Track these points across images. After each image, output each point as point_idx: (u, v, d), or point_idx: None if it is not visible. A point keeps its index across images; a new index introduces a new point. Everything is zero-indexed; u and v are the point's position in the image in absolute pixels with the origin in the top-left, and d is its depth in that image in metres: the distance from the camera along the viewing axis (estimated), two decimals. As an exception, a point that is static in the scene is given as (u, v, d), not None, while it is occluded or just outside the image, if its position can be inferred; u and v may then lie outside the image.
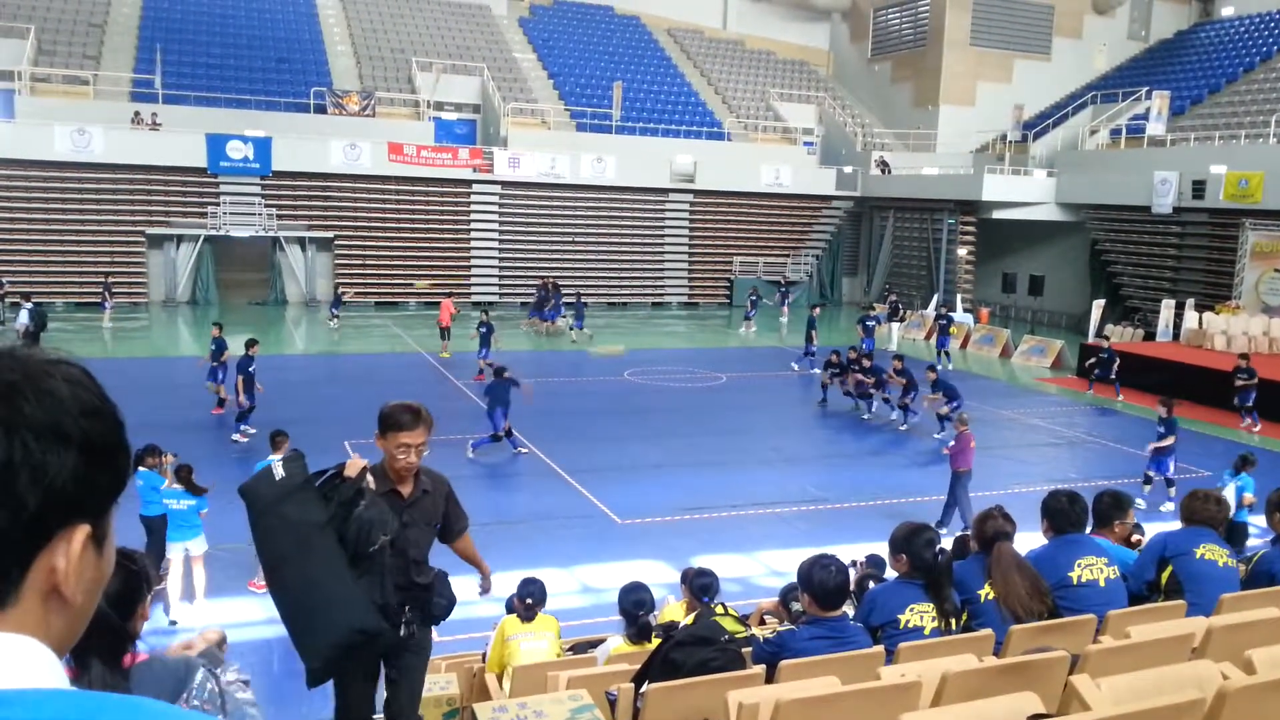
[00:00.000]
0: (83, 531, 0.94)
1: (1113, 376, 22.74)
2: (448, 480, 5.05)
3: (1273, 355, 25.10)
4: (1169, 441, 15.10)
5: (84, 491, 0.93)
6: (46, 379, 0.93)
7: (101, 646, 2.47)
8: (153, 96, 34.21)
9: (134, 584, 2.85)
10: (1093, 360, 23.49)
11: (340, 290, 30.97)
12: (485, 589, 5.53)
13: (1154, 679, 3.54)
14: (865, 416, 20.46)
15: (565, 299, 31.35)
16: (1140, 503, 14.73)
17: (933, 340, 28.98)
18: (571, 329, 29.61)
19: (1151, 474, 15.30)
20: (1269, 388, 20.65)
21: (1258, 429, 19.95)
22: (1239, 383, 20.16)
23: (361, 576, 4.25)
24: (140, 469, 10.36)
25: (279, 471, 4.17)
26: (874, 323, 27.08)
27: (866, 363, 20.73)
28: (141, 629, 3.01)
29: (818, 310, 27.41)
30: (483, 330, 23.24)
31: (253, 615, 10.10)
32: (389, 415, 4.62)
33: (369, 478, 4.40)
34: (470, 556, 5.35)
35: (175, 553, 10.20)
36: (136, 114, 33.26)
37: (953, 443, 14.03)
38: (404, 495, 4.72)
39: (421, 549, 4.84)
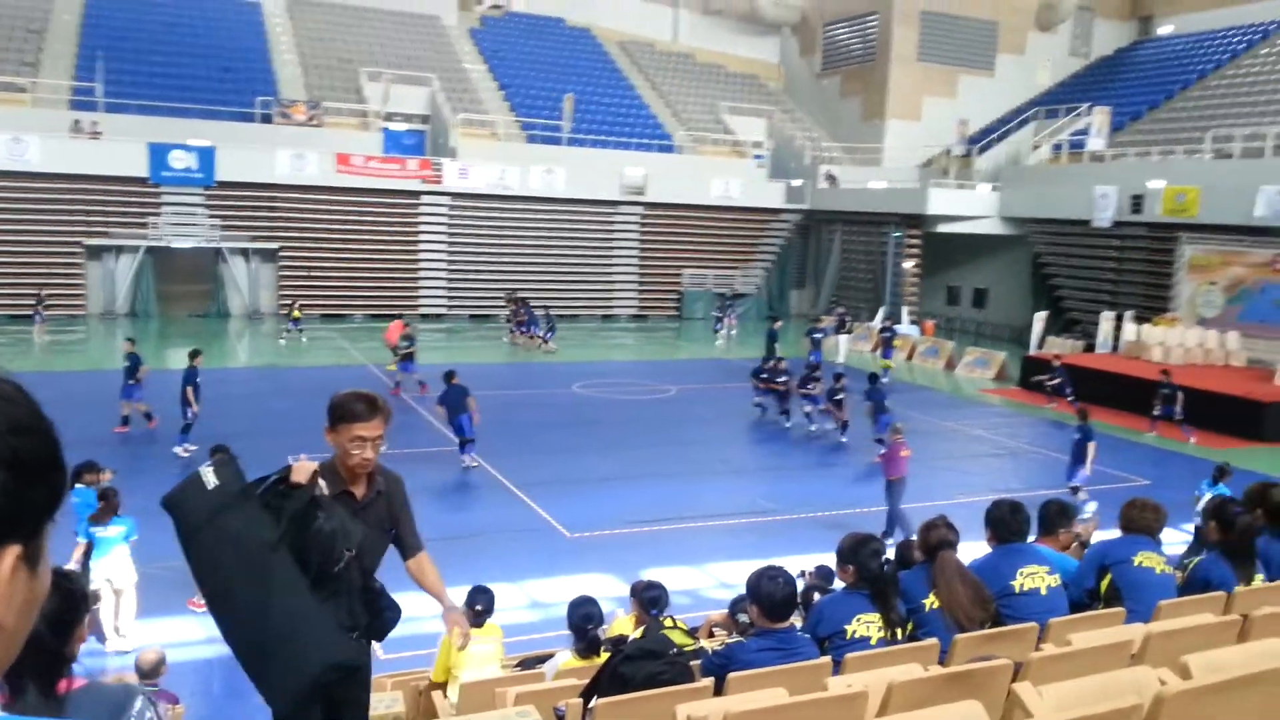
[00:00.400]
0: (13, 553, 0.90)
1: (1068, 393, 22.89)
2: (403, 480, 4.49)
3: (1208, 366, 25.74)
4: (1094, 446, 15.51)
5: (15, 510, 0.90)
6: None
7: (37, 669, 2.40)
8: (93, 105, 33.55)
9: (71, 604, 2.75)
10: (1043, 377, 23.83)
11: (284, 307, 30.32)
12: (463, 639, 4.53)
13: (1094, 685, 3.59)
14: (787, 425, 20.69)
15: (536, 312, 31.49)
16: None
17: (879, 353, 29.27)
18: (546, 340, 29.79)
19: (1075, 486, 15.57)
20: (1204, 398, 21.20)
21: (1193, 439, 20.44)
22: (1162, 397, 20.66)
23: (326, 599, 3.73)
24: (77, 485, 10.10)
25: (210, 479, 3.56)
26: (821, 335, 27.30)
27: (812, 383, 20.82)
28: (79, 651, 2.92)
29: (779, 323, 27.61)
30: (405, 344, 22.87)
31: (192, 635, 9.90)
32: (340, 405, 4.09)
33: (320, 482, 3.85)
34: (431, 585, 4.55)
35: (100, 581, 9.69)
36: (76, 122, 32.58)
37: (885, 450, 14.19)
38: (357, 497, 4.20)
39: (375, 557, 4.33)
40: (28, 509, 0.92)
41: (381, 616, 4.31)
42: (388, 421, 4.19)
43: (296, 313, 29.98)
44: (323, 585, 3.73)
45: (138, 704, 2.46)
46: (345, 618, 3.89)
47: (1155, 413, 20.87)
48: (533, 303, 32.34)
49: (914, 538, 5.57)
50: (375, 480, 4.29)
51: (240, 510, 3.57)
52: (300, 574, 3.61)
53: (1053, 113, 40.72)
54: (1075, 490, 15.29)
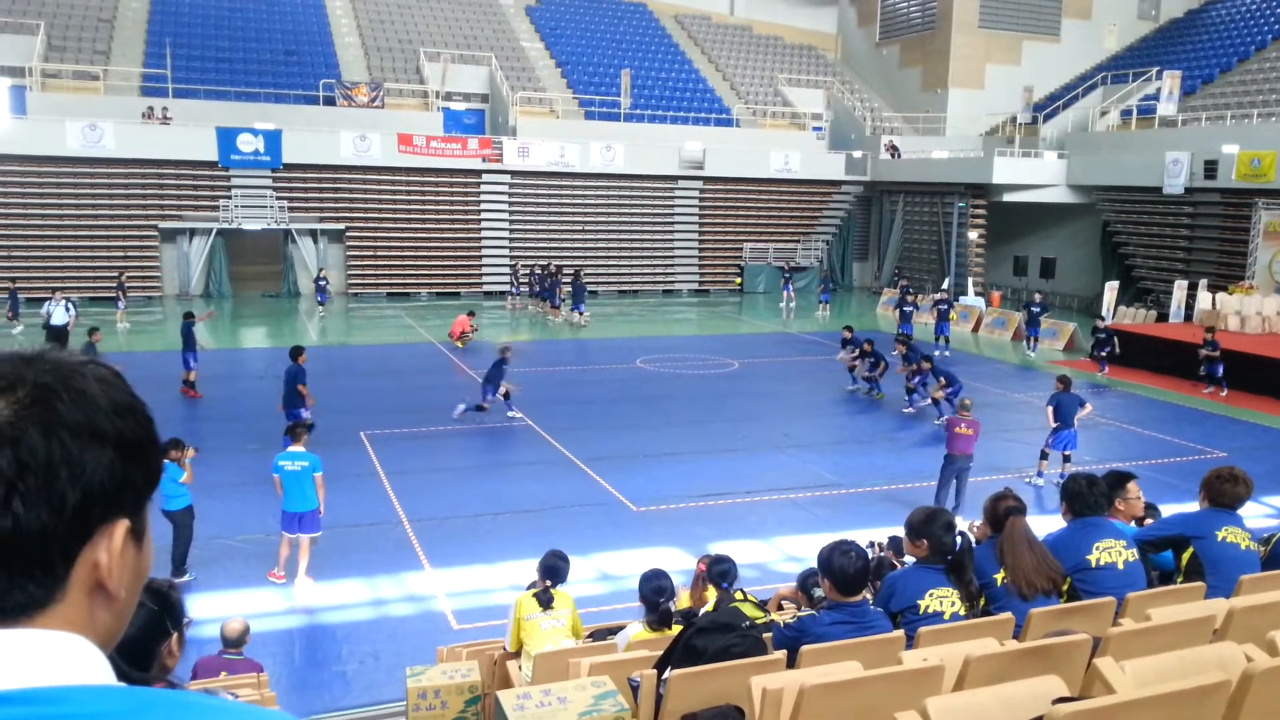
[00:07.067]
0: (123, 526, 0.97)
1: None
2: None
3: (1287, 335, 24.96)
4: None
5: (121, 487, 0.96)
6: (79, 378, 0.96)
7: None
8: (163, 90, 34.30)
9: (153, 628, 2.66)
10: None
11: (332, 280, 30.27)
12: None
13: (1177, 661, 3.55)
14: (879, 395, 20.73)
15: (564, 281, 31.75)
16: (1040, 480, 14.92)
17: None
18: (575, 312, 30.04)
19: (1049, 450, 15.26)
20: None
21: (1224, 394, 21.05)
22: (1204, 354, 21.45)
23: None
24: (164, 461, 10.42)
25: None
26: (912, 309, 27.05)
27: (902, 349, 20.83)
28: (173, 666, 2.84)
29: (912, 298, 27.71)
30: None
31: (274, 606, 10.18)
32: None
33: None
34: None
35: None
36: (149, 109, 33.35)
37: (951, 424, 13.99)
38: None
39: None
40: (132, 485, 0.98)
41: None
42: None
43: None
44: None
45: None
46: None
47: (1202, 371, 21.52)
48: (569, 272, 32.57)
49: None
50: None
51: None
52: None
53: (1121, 77, 39.63)
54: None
